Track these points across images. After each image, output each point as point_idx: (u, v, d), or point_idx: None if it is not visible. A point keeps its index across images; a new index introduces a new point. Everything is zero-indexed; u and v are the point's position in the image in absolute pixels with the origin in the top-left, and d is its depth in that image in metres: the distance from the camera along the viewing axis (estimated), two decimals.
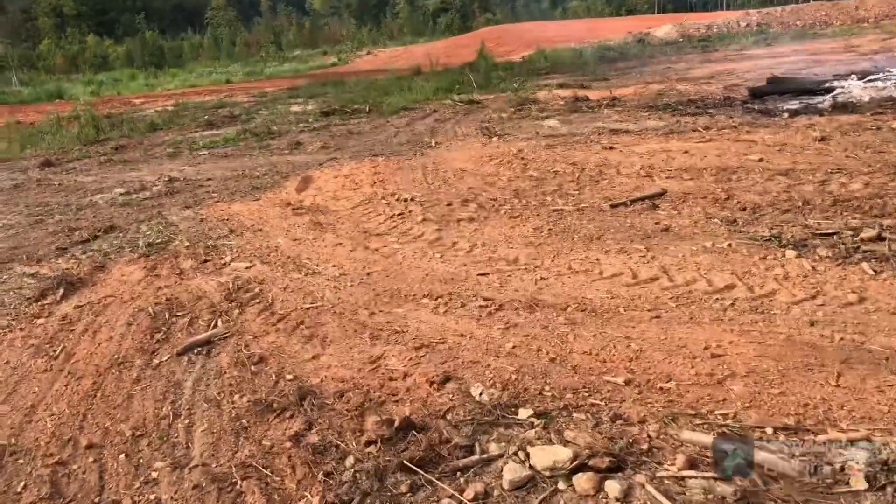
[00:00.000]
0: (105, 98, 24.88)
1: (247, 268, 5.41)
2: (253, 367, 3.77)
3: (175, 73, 53.19)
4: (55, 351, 4.19)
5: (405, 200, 6.93)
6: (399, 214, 6.48)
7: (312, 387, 3.49)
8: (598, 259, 4.95)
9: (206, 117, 16.00)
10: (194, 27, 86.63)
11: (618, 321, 3.92)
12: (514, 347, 3.71)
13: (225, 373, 3.75)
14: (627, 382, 3.28)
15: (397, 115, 14.12)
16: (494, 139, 10.34)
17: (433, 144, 10.32)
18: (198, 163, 10.38)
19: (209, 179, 9.01)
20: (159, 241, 6.35)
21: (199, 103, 19.34)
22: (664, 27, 29.45)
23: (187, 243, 6.19)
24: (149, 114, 18.07)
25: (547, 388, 3.28)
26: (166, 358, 3.98)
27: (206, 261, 5.67)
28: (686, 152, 7.77)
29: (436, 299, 4.46)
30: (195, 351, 4.04)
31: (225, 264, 5.55)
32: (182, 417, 3.37)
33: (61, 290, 5.14)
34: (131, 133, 13.94)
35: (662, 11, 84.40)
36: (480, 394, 3.26)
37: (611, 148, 8.50)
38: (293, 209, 7.06)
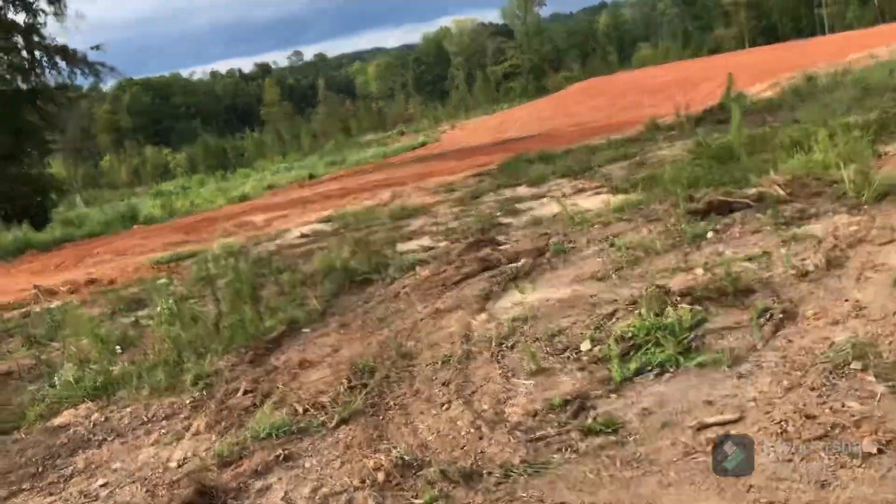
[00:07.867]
0: (198, 217, 17.96)
1: None
2: None
3: (246, 172, 47.41)
4: None
5: None
6: None
7: None
8: None
9: (425, 254, 8.61)
10: (250, 125, 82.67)
11: None
12: None
13: None
14: None
15: None
16: None
17: None
18: None
19: None
20: None
21: (368, 215, 11.98)
22: None
23: None
24: (295, 241, 10.82)
25: None
26: None
27: None
28: None
29: None
30: None
31: None
32: None
33: None
34: (318, 300, 6.57)
35: (753, 45, 75.92)
36: None
37: None
38: None
